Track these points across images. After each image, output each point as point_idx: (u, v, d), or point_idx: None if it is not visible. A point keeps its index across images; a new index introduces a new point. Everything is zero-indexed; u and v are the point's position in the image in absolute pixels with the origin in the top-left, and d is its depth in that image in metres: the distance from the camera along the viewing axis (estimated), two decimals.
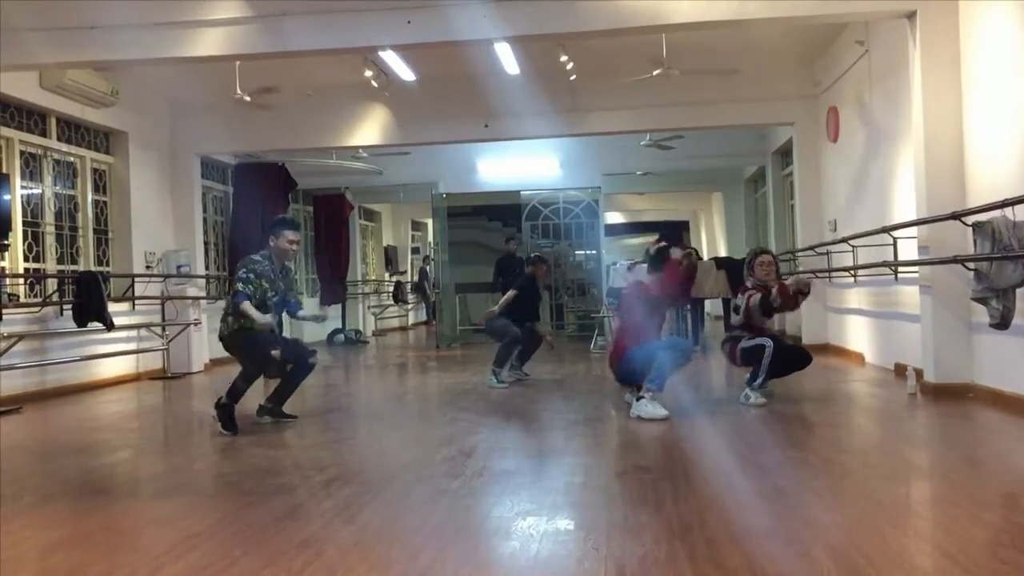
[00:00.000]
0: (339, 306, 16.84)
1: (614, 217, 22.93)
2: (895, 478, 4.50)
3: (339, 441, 5.89)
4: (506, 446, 5.61)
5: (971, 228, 6.05)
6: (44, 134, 9.62)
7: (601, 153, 15.03)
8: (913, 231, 7.28)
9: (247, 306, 6.19)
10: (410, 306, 22.33)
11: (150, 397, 9.09)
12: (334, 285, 16.58)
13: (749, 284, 6.99)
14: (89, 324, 8.78)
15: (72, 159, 10.12)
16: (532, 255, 9.66)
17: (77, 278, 8.97)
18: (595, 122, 11.77)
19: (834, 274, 10.09)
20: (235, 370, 6.66)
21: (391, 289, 20.71)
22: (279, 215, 6.89)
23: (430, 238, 20.09)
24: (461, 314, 16.20)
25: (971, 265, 6.05)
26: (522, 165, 15.72)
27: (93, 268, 9.98)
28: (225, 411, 6.26)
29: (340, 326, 16.64)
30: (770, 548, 3.21)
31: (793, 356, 7.01)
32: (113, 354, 9.84)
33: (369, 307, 19.13)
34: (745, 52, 10.36)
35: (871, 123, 9.04)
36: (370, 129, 11.96)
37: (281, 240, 6.47)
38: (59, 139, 9.84)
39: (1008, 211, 5.63)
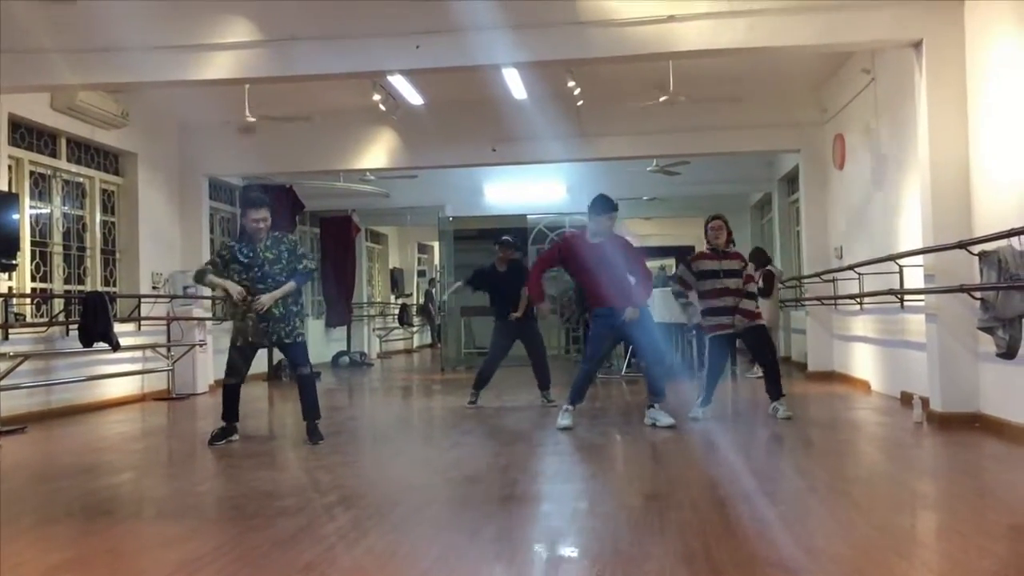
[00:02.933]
0: (344, 328, 16.84)
1: None
2: (901, 507, 4.48)
3: (343, 464, 5.87)
4: (510, 471, 5.58)
5: (977, 257, 6.05)
6: (54, 155, 9.68)
7: (608, 178, 15.00)
8: (919, 259, 7.27)
9: (210, 277, 6.57)
10: (415, 329, 22.32)
11: (154, 418, 9.09)
12: (340, 307, 16.60)
13: (705, 249, 7.78)
14: (95, 344, 8.80)
15: (81, 179, 10.18)
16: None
17: (84, 298, 8.99)
18: (602, 147, 11.81)
19: (840, 301, 10.07)
20: (241, 391, 6.78)
21: (396, 311, 20.72)
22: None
23: (436, 261, 20.12)
24: (466, 337, 16.18)
25: (977, 294, 6.04)
26: (529, 189, 15.76)
27: (100, 288, 10.01)
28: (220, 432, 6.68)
29: (345, 348, 16.64)
30: None
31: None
32: (118, 374, 9.85)
33: (374, 329, 19.13)
34: (752, 79, 10.41)
35: (877, 151, 9.06)
36: (378, 152, 12.01)
37: (246, 220, 6.60)
38: (69, 160, 9.90)
39: (1015, 240, 5.63)
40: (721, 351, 7.71)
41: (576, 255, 7.31)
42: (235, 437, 6.79)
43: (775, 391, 7.41)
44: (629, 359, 11.73)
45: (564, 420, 7.09)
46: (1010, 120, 6.18)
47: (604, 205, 7.39)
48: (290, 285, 6.59)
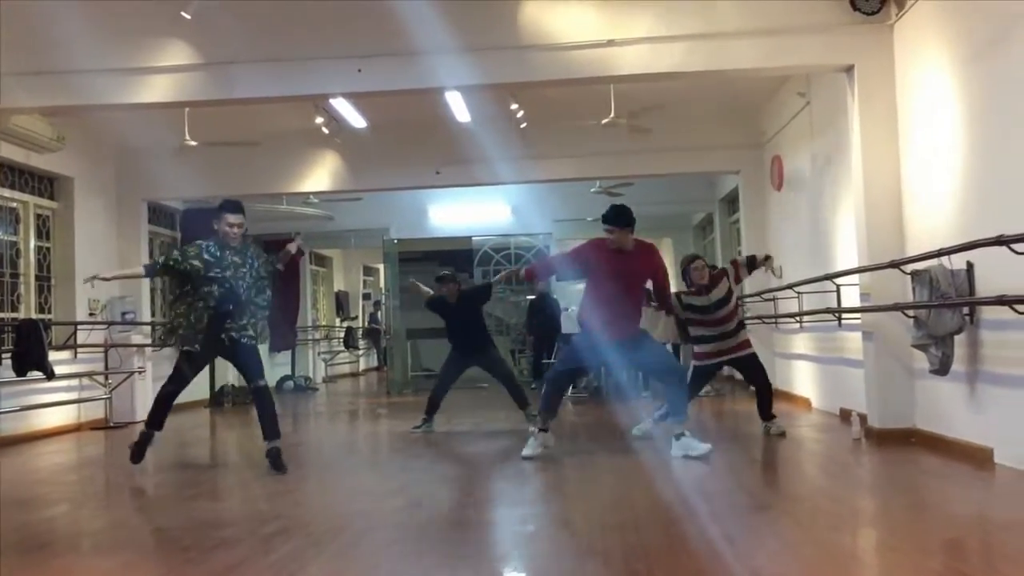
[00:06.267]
0: (289, 352, 16.63)
1: None
2: (840, 525, 4.54)
3: (285, 492, 5.78)
4: (456, 495, 5.56)
5: (910, 276, 6.21)
6: None
7: (552, 199, 15.15)
8: (855, 278, 7.43)
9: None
10: (361, 352, 22.15)
11: (91, 448, 8.87)
12: (284, 331, 16.37)
13: (687, 288, 7.56)
14: (29, 373, 8.57)
15: (15, 205, 9.94)
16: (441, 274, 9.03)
17: (17, 326, 8.76)
18: (545, 169, 11.89)
19: (780, 320, 10.23)
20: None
21: (342, 335, 20.54)
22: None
23: (382, 283, 20.01)
24: (413, 360, 16.10)
25: (911, 312, 6.18)
26: (473, 211, 15.80)
27: (34, 316, 9.76)
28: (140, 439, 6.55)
29: (289, 372, 16.43)
30: None
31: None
32: (53, 404, 9.58)
33: (319, 353, 18.94)
34: (692, 102, 10.58)
35: (813, 172, 9.26)
36: (321, 175, 11.95)
37: (221, 224, 6.44)
38: (2, 184, 9.66)
39: (945, 260, 5.78)
40: (700, 380, 7.76)
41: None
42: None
43: (766, 412, 7.49)
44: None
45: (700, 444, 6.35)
46: (938, 142, 6.36)
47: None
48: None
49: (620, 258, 6.45)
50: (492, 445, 7.71)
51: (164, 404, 6.65)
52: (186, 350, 6.51)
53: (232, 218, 6.44)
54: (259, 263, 6.61)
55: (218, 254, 6.44)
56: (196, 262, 6.36)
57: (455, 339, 8.78)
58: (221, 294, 6.40)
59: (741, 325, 7.68)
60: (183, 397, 12.05)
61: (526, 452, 6.45)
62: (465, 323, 8.66)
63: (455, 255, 15.63)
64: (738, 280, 7.72)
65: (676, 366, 7.03)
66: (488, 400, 11.08)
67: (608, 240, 6.50)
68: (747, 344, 7.61)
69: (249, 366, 6.60)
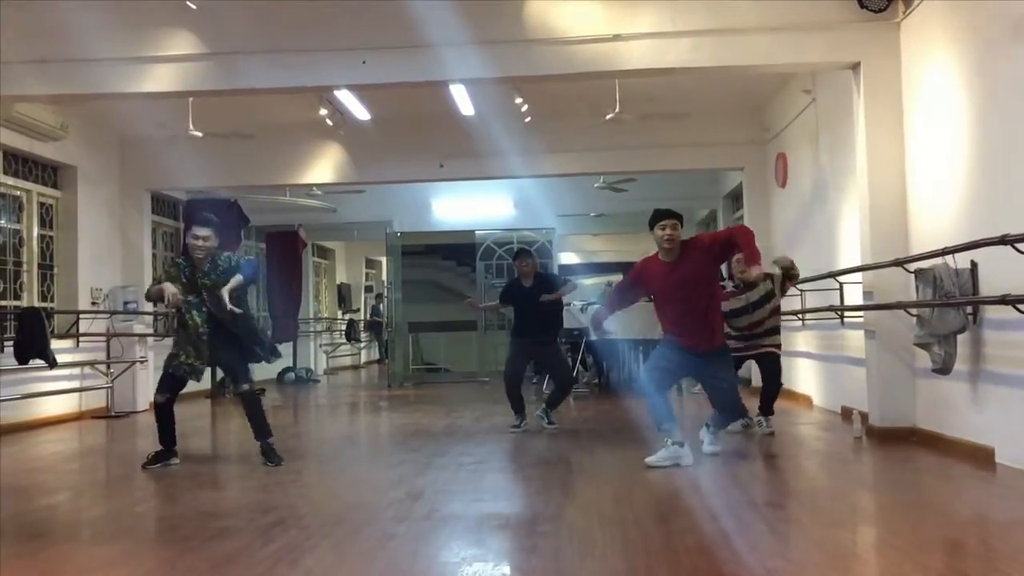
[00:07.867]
0: (290, 344, 16.64)
1: (568, 258, 23.03)
2: (840, 523, 4.53)
3: (284, 483, 5.77)
4: (455, 488, 5.55)
5: (913, 275, 6.19)
6: None
7: (555, 194, 15.13)
8: (858, 276, 7.42)
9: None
10: (363, 344, 22.16)
11: (92, 437, 8.88)
12: (286, 322, 16.39)
13: (730, 286, 7.33)
14: (31, 361, 8.58)
15: (18, 193, 9.94)
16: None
17: (20, 314, 8.77)
18: (549, 164, 11.86)
19: (783, 317, 10.19)
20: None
21: (344, 327, 20.55)
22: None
23: (384, 276, 20.04)
24: (414, 353, 16.11)
25: (914, 311, 6.17)
26: (477, 205, 15.80)
27: (37, 304, 9.77)
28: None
29: (291, 364, 16.45)
30: None
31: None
32: (55, 392, 9.59)
33: (321, 345, 18.95)
34: (697, 98, 10.55)
35: (818, 170, 9.23)
36: (324, 167, 11.93)
37: (188, 236, 6.31)
38: (5, 172, 9.67)
39: (949, 259, 5.77)
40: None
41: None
42: (174, 461, 6.44)
43: (767, 408, 7.38)
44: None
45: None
46: (943, 141, 6.34)
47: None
48: (238, 278, 6.08)
49: (673, 268, 6.07)
50: (492, 439, 7.70)
51: (161, 418, 6.45)
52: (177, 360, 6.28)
53: (196, 230, 6.19)
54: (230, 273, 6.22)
55: (190, 276, 6.20)
56: (178, 285, 6.10)
57: (520, 325, 8.08)
58: (204, 319, 6.18)
59: (775, 331, 7.51)
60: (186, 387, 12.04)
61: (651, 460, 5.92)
62: (536, 310, 7.92)
63: (458, 249, 15.66)
64: (783, 292, 7.52)
65: (736, 406, 6.34)
66: (489, 394, 11.08)
67: (659, 251, 6.22)
68: (776, 346, 7.50)
69: (232, 368, 6.49)
